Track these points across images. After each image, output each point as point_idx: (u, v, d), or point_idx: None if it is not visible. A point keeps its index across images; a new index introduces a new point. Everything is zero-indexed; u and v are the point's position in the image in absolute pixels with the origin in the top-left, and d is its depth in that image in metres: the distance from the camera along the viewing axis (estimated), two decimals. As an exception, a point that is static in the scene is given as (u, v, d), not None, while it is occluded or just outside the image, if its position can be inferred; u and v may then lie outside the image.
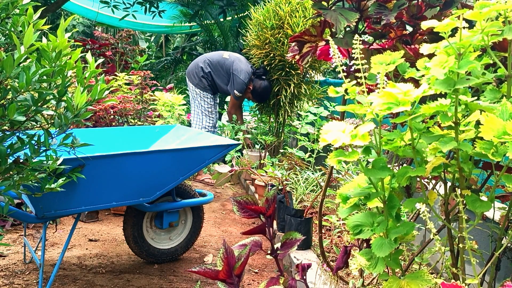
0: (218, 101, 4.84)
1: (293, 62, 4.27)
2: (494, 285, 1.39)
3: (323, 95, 4.64)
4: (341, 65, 1.12)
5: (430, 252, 1.77)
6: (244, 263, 1.19)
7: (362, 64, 1.06)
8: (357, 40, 1.08)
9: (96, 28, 9.71)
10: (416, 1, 1.48)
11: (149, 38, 12.34)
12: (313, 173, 3.70)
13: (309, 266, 1.38)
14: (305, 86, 4.44)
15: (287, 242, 1.35)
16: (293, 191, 3.45)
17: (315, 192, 3.47)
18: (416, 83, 1.05)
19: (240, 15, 6.86)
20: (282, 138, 4.74)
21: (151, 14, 6.39)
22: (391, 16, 1.35)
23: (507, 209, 1.64)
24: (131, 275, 2.45)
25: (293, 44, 1.73)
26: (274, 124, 4.72)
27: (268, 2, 4.44)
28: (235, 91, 4.41)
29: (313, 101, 4.66)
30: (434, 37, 1.29)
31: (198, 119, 4.58)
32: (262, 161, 4.39)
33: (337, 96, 1.14)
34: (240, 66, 4.41)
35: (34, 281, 2.30)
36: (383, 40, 1.58)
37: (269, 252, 1.35)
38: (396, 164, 1.49)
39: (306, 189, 3.48)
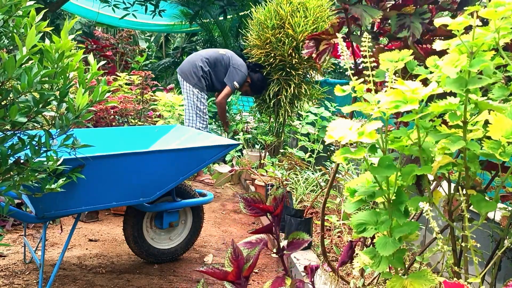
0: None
1: (293, 62, 4.27)
2: (494, 285, 1.38)
3: (323, 95, 4.64)
4: (349, 63, 1.12)
5: (431, 251, 1.77)
6: (254, 264, 1.18)
7: (371, 62, 1.06)
8: (366, 37, 1.08)
9: (96, 28, 9.71)
10: (427, 5, 1.47)
11: (149, 38, 12.34)
12: (313, 173, 3.70)
13: (317, 268, 1.38)
14: (306, 86, 4.45)
15: (294, 242, 1.35)
16: (293, 191, 3.45)
17: (315, 192, 3.47)
18: (424, 82, 1.04)
19: (241, 13, 6.86)
20: (282, 138, 4.74)
21: (151, 13, 6.39)
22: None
23: (508, 209, 1.64)
24: (131, 275, 2.45)
25: (308, 41, 1.72)
26: (274, 124, 4.72)
27: (270, 1, 4.44)
28: (235, 82, 4.38)
29: (313, 101, 4.66)
30: (446, 38, 1.29)
31: (191, 120, 4.46)
32: (262, 161, 4.39)
33: (339, 95, 1.13)
34: (239, 60, 4.47)
35: (34, 281, 2.29)
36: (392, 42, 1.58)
37: (274, 251, 1.34)
38: (402, 164, 1.48)
39: (306, 189, 3.48)
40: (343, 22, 1.63)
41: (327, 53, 1.68)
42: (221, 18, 6.93)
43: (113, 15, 6.86)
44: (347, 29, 1.61)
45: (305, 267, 1.38)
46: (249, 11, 5.17)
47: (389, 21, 1.50)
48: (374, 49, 1.35)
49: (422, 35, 1.45)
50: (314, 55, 1.71)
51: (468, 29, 0.92)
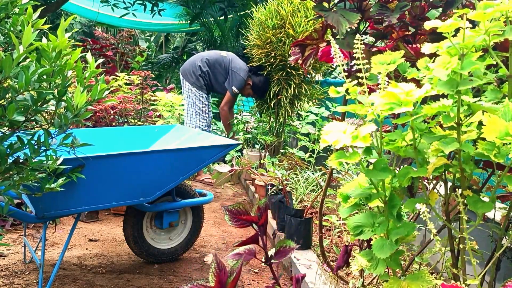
0: (210, 101, 4.81)
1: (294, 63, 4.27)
2: (494, 285, 1.38)
3: (323, 96, 4.64)
4: (342, 65, 1.12)
5: (430, 252, 1.77)
6: (236, 278, 1.16)
7: (363, 64, 1.06)
8: (358, 40, 1.08)
9: (96, 28, 9.71)
10: (419, 2, 1.47)
11: (149, 38, 12.34)
12: (313, 173, 3.70)
13: (303, 277, 1.36)
14: (306, 86, 4.45)
15: (281, 250, 1.33)
16: (293, 191, 3.45)
17: (315, 192, 3.47)
18: (417, 83, 1.04)
19: (241, 13, 6.85)
20: (282, 138, 4.73)
21: (151, 12, 6.39)
22: (393, 17, 1.35)
23: (507, 209, 1.64)
24: (131, 275, 2.45)
25: (295, 48, 1.74)
26: (274, 124, 4.71)
27: (271, 1, 4.43)
28: (233, 87, 4.42)
29: (313, 101, 4.66)
30: (435, 37, 1.29)
31: (191, 119, 4.50)
32: (262, 161, 4.39)
33: (338, 96, 1.13)
34: (239, 64, 4.46)
35: (34, 281, 2.30)
36: (384, 41, 1.58)
37: (263, 260, 1.33)
38: (397, 165, 1.48)
39: (306, 189, 3.47)
40: (326, 26, 1.64)
41: (312, 57, 1.68)
42: (221, 18, 6.93)
43: (113, 15, 6.86)
44: (331, 32, 1.61)
45: (291, 278, 1.36)
46: (249, 10, 5.17)
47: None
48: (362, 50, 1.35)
49: (414, 36, 1.45)
50: (300, 61, 1.72)
51: (458, 31, 0.92)
